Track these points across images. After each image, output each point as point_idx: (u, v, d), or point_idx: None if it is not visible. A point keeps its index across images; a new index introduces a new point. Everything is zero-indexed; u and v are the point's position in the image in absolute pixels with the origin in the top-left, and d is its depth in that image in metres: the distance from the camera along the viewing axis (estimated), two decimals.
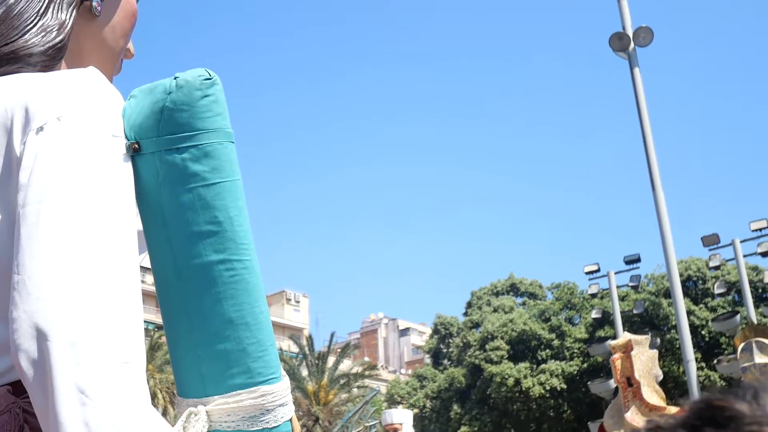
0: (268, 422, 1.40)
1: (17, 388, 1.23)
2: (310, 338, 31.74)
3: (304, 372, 30.49)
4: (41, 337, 1.12)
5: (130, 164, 1.29)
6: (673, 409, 8.55)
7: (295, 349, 36.90)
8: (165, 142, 1.31)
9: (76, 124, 1.22)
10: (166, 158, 1.32)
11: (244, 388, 1.38)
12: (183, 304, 1.39)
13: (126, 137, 1.28)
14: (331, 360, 30.11)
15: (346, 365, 33.15)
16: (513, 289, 27.08)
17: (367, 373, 34.23)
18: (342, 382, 30.15)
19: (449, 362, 26.33)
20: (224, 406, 1.37)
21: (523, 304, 26.28)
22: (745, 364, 8.05)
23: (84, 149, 1.21)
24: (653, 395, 8.59)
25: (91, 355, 1.12)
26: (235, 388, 1.38)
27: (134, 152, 1.28)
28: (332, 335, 31.53)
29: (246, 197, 1.41)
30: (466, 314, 26.65)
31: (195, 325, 1.37)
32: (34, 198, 1.19)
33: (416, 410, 16.50)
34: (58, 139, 1.20)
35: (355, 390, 32.24)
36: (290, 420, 1.45)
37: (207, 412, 1.37)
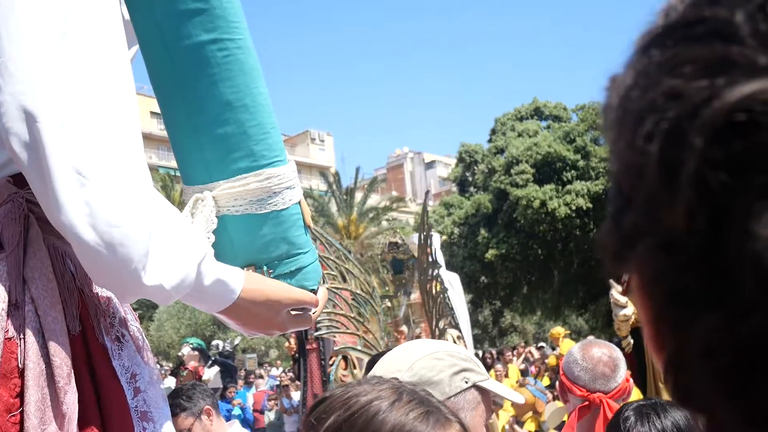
0: (276, 205, 1.38)
1: (18, 180, 1.21)
2: (336, 175, 32.11)
3: (333, 208, 31.08)
4: (30, 119, 1.08)
5: None
6: None
7: (323, 186, 37.44)
8: None
9: None
10: None
11: (248, 172, 1.35)
12: (179, 90, 1.33)
13: None
14: (358, 196, 30.59)
15: (374, 200, 33.69)
16: (537, 113, 26.81)
17: (395, 206, 34.83)
18: (371, 216, 30.77)
19: (475, 189, 26.60)
20: (230, 190, 1.35)
21: (548, 127, 26.10)
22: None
23: None
24: None
25: (83, 136, 1.08)
26: (239, 172, 1.35)
27: None
28: (357, 170, 31.88)
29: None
30: (490, 141, 26.60)
31: (193, 110, 1.32)
32: None
33: (444, 237, 16.86)
34: None
35: (384, 223, 32.94)
36: (299, 203, 1.44)
37: (213, 197, 1.35)
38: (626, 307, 8.53)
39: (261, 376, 14.91)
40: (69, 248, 1.23)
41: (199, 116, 1.32)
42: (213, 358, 11.34)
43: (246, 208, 1.36)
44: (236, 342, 14.19)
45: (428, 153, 73.82)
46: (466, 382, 1.46)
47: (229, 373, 11.55)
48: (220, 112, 1.32)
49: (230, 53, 1.32)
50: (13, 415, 1.08)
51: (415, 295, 9.36)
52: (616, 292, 8.55)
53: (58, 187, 1.06)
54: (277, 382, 13.17)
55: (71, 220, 1.07)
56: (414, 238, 8.35)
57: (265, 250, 1.38)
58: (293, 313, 1.36)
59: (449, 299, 9.55)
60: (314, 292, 1.42)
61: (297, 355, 9.55)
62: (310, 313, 1.40)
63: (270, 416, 11.52)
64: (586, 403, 2.19)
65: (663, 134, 0.35)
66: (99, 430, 1.14)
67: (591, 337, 2.92)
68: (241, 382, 13.16)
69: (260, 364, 22.69)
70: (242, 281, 1.26)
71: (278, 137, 1.39)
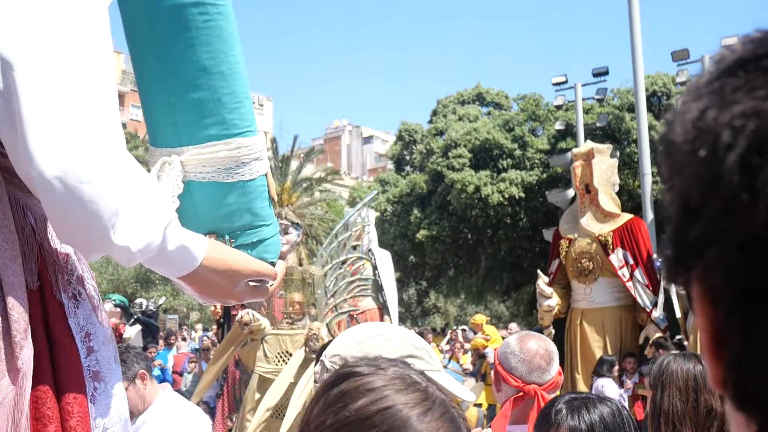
0: (243, 175, 1.38)
1: None
2: (273, 141, 31.76)
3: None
4: (6, 66, 1.05)
5: None
6: (627, 216, 8.87)
7: None
8: None
9: None
10: None
11: (219, 140, 1.35)
12: (156, 50, 1.31)
13: None
14: (294, 164, 30.33)
15: (309, 170, 33.46)
16: (479, 98, 27.01)
17: (329, 178, 34.67)
18: (305, 185, 30.58)
19: (412, 168, 26.73)
20: (199, 156, 1.34)
21: (488, 113, 26.34)
22: None
23: None
24: (609, 202, 8.85)
25: (59, 89, 1.06)
26: (209, 139, 1.34)
27: None
28: (295, 138, 31.54)
29: None
30: (430, 122, 26.71)
31: (168, 71, 1.31)
32: None
33: (377, 214, 16.88)
34: None
35: (317, 194, 32.80)
36: (265, 175, 1.44)
37: (181, 162, 1.34)
38: (551, 298, 8.77)
39: (184, 338, 14.77)
40: (30, 201, 1.21)
41: (173, 79, 1.31)
42: (135, 317, 11.17)
43: (213, 176, 1.35)
44: (160, 302, 13.99)
45: (367, 127, 73.74)
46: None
47: (150, 332, 11.39)
48: (196, 76, 1.31)
49: (211, 18, 1.31)
50: None
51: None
52: (542, 282, 8.77)
53: (29, 139, 1.04)
54: (197, 346, 13.07)
55: (42, 173, 1.05)
56: (348, 214, 8.34)
57: (229, 219, 1.38)
58: (251, 284, 1.36)
59: (379, 276, 9.62)
60: (273, 264, 1.43)
61: (222, 319, 9.48)
62: (268, 285, 1.40)
63: (188, 378, 11.43)
64: (521, 393, 2.26)
65: (744, 144, 0.41)
66: (51, 388, 1.13)
67: (525, 331, 3.00)
68: (161, 342, 13.00)
69: (180, 326, 22.43)
70: (205, 249, 1.25)
71: (251, 107, 1.39)
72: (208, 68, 1.31)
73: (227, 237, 1.38)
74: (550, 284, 8.78)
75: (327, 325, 6.27)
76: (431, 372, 1.51)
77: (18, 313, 1.10)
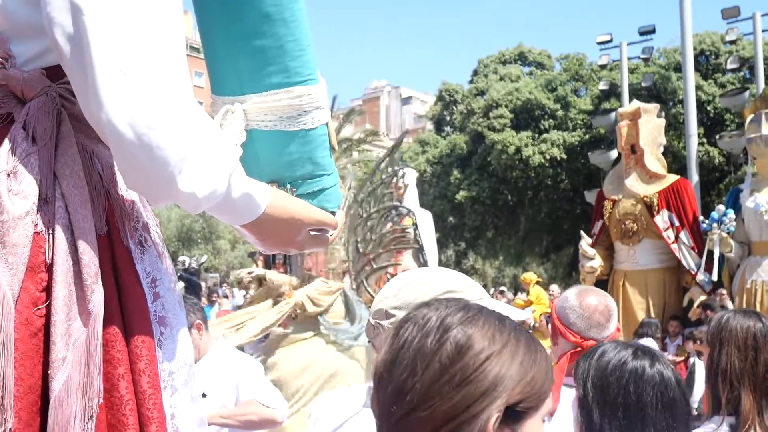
0: (305, 124, 1.37)
1: (53, 73, 1.19)
2: None
3: None
4: (76, 11, 1.05)
5: None
6: (673, 177, 8.72)
7: None
8: None
9: None
10: None
11: (281, 88, 1.34)
12: None
13: None
14: (333, 124, 30.33)
15: (347, 131, 33.48)
16: (521, 58, 26.63)
17: (369, 139, 34.65)
18: (344, 146, 30.62)
19: (451, 129, 26.54)
20: (261, 104, 1.34)
21: (530, 73, 25.98)
22: (752, 135, 8.05)
23: None
24: (655, 163, 8.71)
25: (128, 35, 1.06)
26: (272, 87, 1.34)
27: None
28: (334, 99, 31.43)
29: None
30: (471, 82, 26.43)
31: (232, 18, 1.29)
32: None
33: (417, 174, 16.86)
34: None
35: (356, 154, 32.84)
36: (326, 124, 1.43)
37: (244, 110, 1.34)
38: (593, 259, 8.70)
39: (226, 296, 15.00)
40: (97, 148, 1.22)
41: (237, 26, 1.30)
42: (179, 274, 11.36)
43: (275, 124, 1.35)
44: (202, 260, 14.21)
45: (406, 88, 73.27)
46: None
47: (193, 289, 11.59)
48: (259, 23, 1.30)
49: None
50: (39, 309, 1.08)
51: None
52: (585, 243, 8.70)
53: (99, 83, 1.05)
54: (240, 303, 13.28)
55: (111, 119, 1.05)
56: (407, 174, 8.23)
57: (290, 168, 1.38)
58: (312, 233, 1.36)
59: (419, 237, 9.62)
60: (333, 214, 1.42)
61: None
62: (328, 234, 1.40)
63: None
64: (578, 349, 2.24)
65: None
66: (121, 331, 1.15)
67: (583, 285, 3.00)
68: (204, 299, 13.23)
69: (220, 284, 22.76)
70: (268, 197, 1.25)
71: (313, 55, 1.38)
72: (272, 15, 1.30)
73: (289, 186, 1.38)
74: (593, 245, 8.72)
75: (363, 282, 6.25)
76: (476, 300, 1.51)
77: (89, 257, 1.11)
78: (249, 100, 1.34)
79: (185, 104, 1.10)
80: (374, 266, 6.59)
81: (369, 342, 1.77)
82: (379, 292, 1.70)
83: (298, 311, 5.40)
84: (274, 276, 6.12)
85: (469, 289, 1.59)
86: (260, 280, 6.30)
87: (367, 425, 1.56)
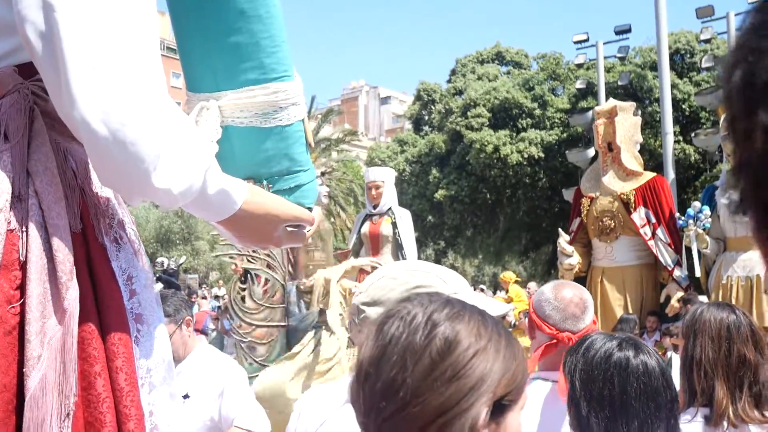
0: (281, 120, 1.38)
1: (25, 71, 1.18)
2: None
3: None
4: (48, 8, 1.05)
5: None
6: (650, 175, 8.79)
7: None
8: None
9: None
10: None
11: (256, 84, 1.34)
12: None
13: None
14: (311, 125, 30.28)
15: (326, 131, 33.40)
16: (498, 57, 26.72)
17: (347, 139, 34.61)
18: (323, 146, 30.54)
19: (430, 128, 26.60)
20: (236, 101, 1.34)
21: (508, 73, 26.08)
22: (725, 133, 8.14)
23: None
24: (632, 161, 8.77)
25: (100, 31, 1.05)
26: (247, 83, 1.34)
27: None
28: (313, 99, 31.42)
29: None
30: (449, 81, 26.50)
31: (207, 14, 1.29)
32: None
33: (396, 174, 16.90)
34: None
35: (334, 154, 32.77)
36: (302, 120, 1.44)
37: (219, 106, 1.34)
38: (571, 256, 8.75)
39: (204, 297, 14.93)
40: (70, 145, 1.22)
41: (212, 22, 1.30)
42: (157, 275, 11.29)
43: (251, 121, 1.35)
44: (181, 261, 14.13)
45: (384, 88, 73.32)
46: None
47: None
48: (234, 20, 1.30)
49: None
50: (13, 307, 1.08)
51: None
52: (563, 240, 8.75)
53: (72, 80, 1.04)
54: (218, 304, 13.21)
55: (84, 116, 1.05)
56: (368, 173, 8.28)
57: (267, 164, 1.38)
58: (289, 229, 1.36)
59: (399, 235, 9.63)
60: (310, 210, 1.43)
61: (243, 277, 9.53)
62: (305, 230, 1.40)
63: (212, 336, 11.57)
64: (554, 341, 2.27)
65: None
66: (97, 329, 1.14)
67: (560, 280, 3.03)
68: None
69: (200, 286, 22.63)
70: (245, 193, 1.25)
71: (288, 52, 1.38)
72: (246, 11, 1.30)
73: (265, 182, 1.38)
74: (571, 243, 8.76)
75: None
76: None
77: (63, 255, 1.11)
78: (224, 97, 1.34)
79: (159, 100, 1.10)
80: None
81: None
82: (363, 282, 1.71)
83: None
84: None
85: (442, 283, 1.59)
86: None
87: (349, 421, 1.56)
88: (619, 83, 19.32)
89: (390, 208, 8.71)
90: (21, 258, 1.09)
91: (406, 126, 34.71)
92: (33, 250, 1.09)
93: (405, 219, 9.76)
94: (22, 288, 1.09)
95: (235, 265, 10.20)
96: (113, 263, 1.21)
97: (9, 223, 1.09)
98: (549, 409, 2.18)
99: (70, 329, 1.09)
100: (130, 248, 1.26)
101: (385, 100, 71.71)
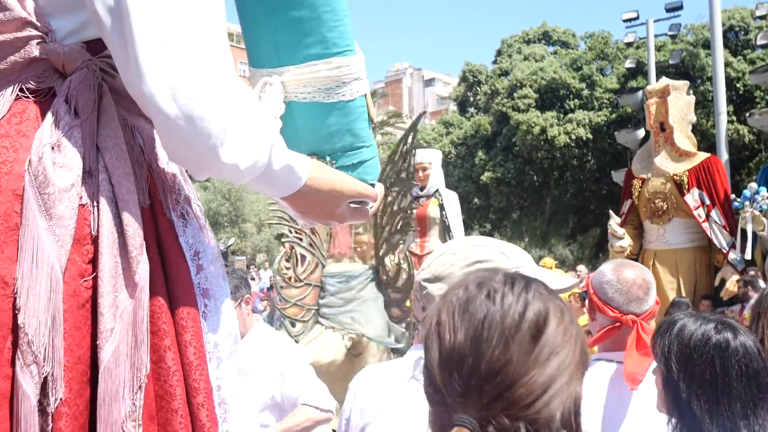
0: (343, 95, 1.36)
1: (92, 47, 1.19)
2: None
3: None
4: None
5: None
6: (703, 155, 8.59)
7: None
8: None
9: None
10: None
11: (319, 59, 1.33)
12: None
13: None
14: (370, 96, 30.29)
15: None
16: (545, 37, 26.38)
17: (391, 121, 34.55)
18: None
19: (476, 110, 26.40)
20: (299, 76, 1.33)
21: (555, 53, 25.73)
22: None
23: None
24: (685, 141, 8.59)
25: (169, 6, 1.06)
26: (310, 58, 1.33)
27: None
28: None
29: None
30: (495, 62, 26.25)
31: None
32: None
33: (442, 155, 16.82)
34: None
35: (379, 137, 32.75)
36: (365, 96, 1.42)
37: (282, 82, 1.33)
38: (622, 239, 8.62)
39: (253, 278, 15.11)
40: (137, 121, 1.22)
41: None
42: None
43: (314, 96, 1.34)
44: (230, 243, 14.29)
45: (428, 70, 72.93)
46: None
47: None
48: None
49: None
50: (86, 280, 1.09)
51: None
52: (614, 222, 8.61)
53: (141, 56, 1.04)
54: (268, 285, 13.34)
55: (152, 91, 1.05)
56: (421, 154, 8.13)
57: (330, 140, 1.37)
58: (352, 205, 1.35)
59: (446, 217, 9.59)
60: (372, 186, 1.42)
61: (288, 259, 9.59)
62: (368, 207, 1.39)
63: (263, 316, 11.72)
64: (617, 324, 2.22)
65: None
66: (166, 303, 1.15)
67: (619, 259, 2.96)
68: None
69: (247, 267, 22.88)
70: (309, 169, 1.25)
71: (350, 26, 1.37)
72: None
73: (328, 158, 1.37)
74: (621, 225, 8.62)
75: (383, 262, 6.21)
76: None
77: (133, 229, 1.12)
78: (287, 72, 1.33)
79: (226, 76, 1.10)
80: (390, 243, 6.52)
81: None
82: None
83: None
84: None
85: (503, 257, 1.58)
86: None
87: (414, 397, 1.56)
88: (670, 62, 18.92)
89: (437, 190, 8.66)
90: (93, 232, 1.11)
91: (450, 108, 34.52)
92: (104, 225, 1.10)
93: (452, 201, 9.71)
94: (94, 262, 1.10)
95: (283, 245, 10.28)
96: (180, 238, 1.22)
97: (81, 198, 1.11)
98: (614, 390, 2.14)
99: (141, 302, 1.10)
100: (196, 223, 1.27)
101: (429, 82, 71.33)
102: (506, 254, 1.58)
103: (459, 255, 1.58)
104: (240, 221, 30.50)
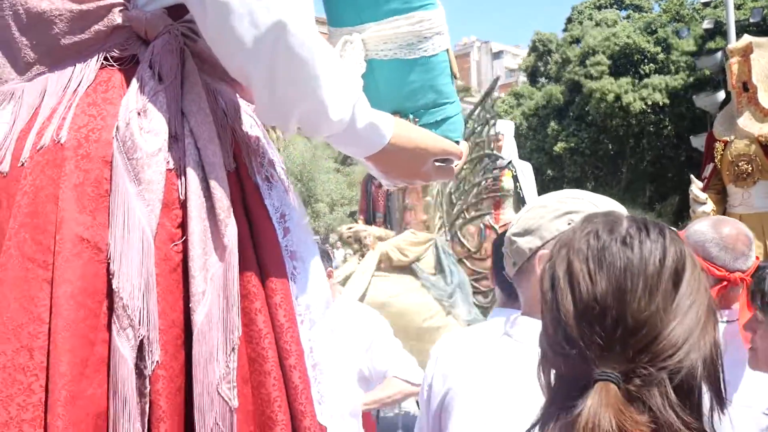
0: (426, 50, 1.33)
1: (173, 12, 1.19)
2: None
3: None
4: None
5: None
6: None
7: None
8: None
9: None
10: None
11: (400, 14, 1.29)
12: None
13: None
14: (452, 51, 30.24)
15: None
16: (617, 1, 25.68)
17: (460, 95, 34.31)
18: None
19: (546, 80, 25.93)
20: (380, 33, 1.30)
21: (628, 17, 25.02)
22: None
23: None
24: None
25: None
26: (391, 13, 1.29)
27: None
28: None
29: None
30: (565, 30, 25.69)
31: None
32: None
33: (514, 126, 16.58)
34: None
35: None
36: (447, 51, 1.39)
37: (362, 40, 1.31)
38: (705, 204, 8.34)
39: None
40: (219, 86, 1.22)
41: None
42: None
43: (395, 53, 1.31)
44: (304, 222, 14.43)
45: (496, 42, 71.90)
46: (569, 224, 1.45)
47: None
48: None
49: None
50: (176, 244, 1.09)
51: None
52: (696, 187, 8.33)
53: (231, 21, 1.04)
54: (339, 264, 13.45)
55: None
56: (501, 126, 7.98)
57: (413, 97, 1.34)
58: (437, 164, 1.32)
59: (521, 189, 9.46)
60: (457, 143, 1.38)
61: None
62: (453, 165, 1.36)
63: None
64: (725, 283, 2.12)
65: None
66: (255, 266, 1.14)
67: (714, 216, 2.84)
68: None
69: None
70: (393, 127, 1.22)
71: None
72: None
73: (411, 116, 1.34)
74: (704, 190, 8.34)
75: (457, 233, 6.13)
76: None
77: (220, 193, 1.11)
78: (367, 30, 1.30)
79: (312, 33, 1.08)
80: (467, 216, 6.44)
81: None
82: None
83: (383, 262, 5.33)
84: (374, 230, 6.07)
85: (594, 208, 1.53)
86: (360, 239, 6.28)
87: (506, 353, 1.53)
88: (751, 20, 18.15)
89: (510, 162, 8.54)
90: (181, 197, 1.11)
91: (520, 79, 34.00)
92: (192, 189, 1.10)
93: (527, 172, 9.57)
94: (183, 226, 1.10)
95: (356, 222, 10.32)
96: (266, 201, 1.21)
97: (168, 162, 1.11)
98: (729, 349, 2.07)
99: (230, 265, 1.10)
100: (281, 186, 1.26)
101: (497, 55, 70.34)
102: (597, 204, 1.54)
103: (549, 207, 1.56)
104: (312, 201, 30.82)
